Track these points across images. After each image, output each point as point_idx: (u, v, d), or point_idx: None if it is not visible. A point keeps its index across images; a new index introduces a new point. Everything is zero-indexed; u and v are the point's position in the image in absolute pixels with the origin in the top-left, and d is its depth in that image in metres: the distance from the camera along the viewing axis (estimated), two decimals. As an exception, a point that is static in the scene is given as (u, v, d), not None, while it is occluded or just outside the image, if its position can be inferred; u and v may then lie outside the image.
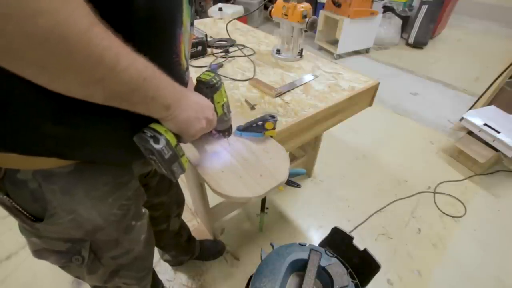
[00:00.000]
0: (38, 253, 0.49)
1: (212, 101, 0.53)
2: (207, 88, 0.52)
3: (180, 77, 0.46)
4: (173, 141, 0.43)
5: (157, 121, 0.42)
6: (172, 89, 0.39)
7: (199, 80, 0.52)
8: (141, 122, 0.40)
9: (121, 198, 0.50)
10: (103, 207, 0.48)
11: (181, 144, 0.47)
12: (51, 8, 0.23)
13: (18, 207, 0.41)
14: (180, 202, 0.93)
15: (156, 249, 1.18)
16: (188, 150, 0.65)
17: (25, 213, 0.42)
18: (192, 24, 0.50)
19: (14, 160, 0.37)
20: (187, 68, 0.51)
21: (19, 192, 0.41)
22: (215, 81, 0.52)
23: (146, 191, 0.62)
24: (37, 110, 0.34)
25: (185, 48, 0.46)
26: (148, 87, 0.34)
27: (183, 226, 1.04)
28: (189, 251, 1.13)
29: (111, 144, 0.42)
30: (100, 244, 0.52)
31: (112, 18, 0.30)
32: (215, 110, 0.54)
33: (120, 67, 0.30)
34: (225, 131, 0.64)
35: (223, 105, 0.57)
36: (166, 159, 0.42)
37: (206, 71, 0.54)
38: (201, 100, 0.48)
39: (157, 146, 0.40)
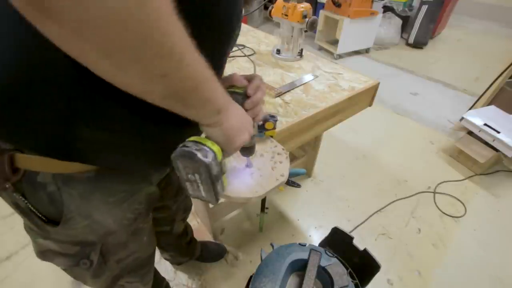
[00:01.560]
0: (43, 254, 0.48)
1: None
2: (237, 99, 0.46)
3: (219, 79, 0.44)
4: (220, 154, 0.38)
5: (185, 128, 0.39)
6: (223, 93, 0.37)
7: (233, 91, 0.47)
8: (174, 135, 0.39)
9: (134, 202, 0.50)
10: (118, 212, 0.47)
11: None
12: None
13: (32, 208, 0.41)
14: (187, 208, 0.92)
15: (156, 249, 1.19)
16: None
17: (39, 214, 0.41)
18: None
19: (37, 162, 0.36)
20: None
21: (37, 194, 0.40)
22: (245, 92, 0.48)
23: (159, 194, 0.62)
24: (73, 112, 0.33)
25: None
26: (207, 87, 0.33)
27: (188, 229, 1.04)
28: (189, 253, 1.13)
29: (139, 155, 0.41)
30: (110, 247, 0.51)
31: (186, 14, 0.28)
32: None
33: (186, 61, 0.28)
34: (247, 150, 0.58)
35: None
36: (214, 175, 0.37)
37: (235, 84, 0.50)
38: (242, 111, 0.45)
39: (206, 160, 0.35)
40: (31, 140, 0.35)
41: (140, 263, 0.63)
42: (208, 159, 0.36)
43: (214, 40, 0.37)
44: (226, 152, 0.42)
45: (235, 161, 0.64)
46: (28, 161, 0.37)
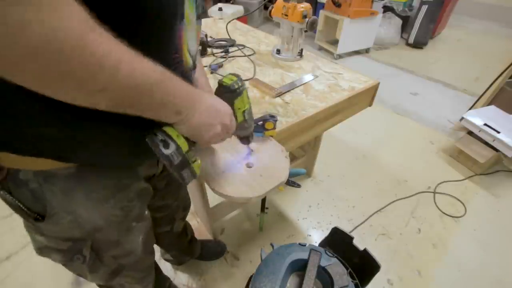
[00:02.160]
0: (41, 250, 0.49)
1: (232, 106, 0.50)
2: (227, 93, 0.49)
3: (184, 76, 0.43)
4: (185, 146, 0.41)
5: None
6: (184, 93, 0.37)
7: (220, 84, 0.49)
8: (147, 126, 0.39)
9: (123, 199, 0.50)
10: (103, 208, 0.47)
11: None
12: (38, 18, 0.22)
13: (20, 205, 0.41)
14: (186, 206, 0.93)
15: (157, 248, 1.19)
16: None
17: (28, 211, 0.42)
18: (199, 17, 0.47)
19: (16, 160, 0.37)
20: (194, 67, 0.49)
21: (20, 191, 0.41)
22: (236, 86, 0.49)
23: (153, 193, 0.62)
24: (37, 112, 0.33)
25: (188, 44, 0.44)
26: (156, 92, 0.32)
27: (187, 228, 1.04)
28: (190, 252, 1.13)
29: (114, 148, 0.42)
30: (101, 244, 0.52)
31: (106, 15, 0.28)
32: (235, 116, 0.51)
33: (122, 73, 0.28)
34: (245, 138, 0.60)
35: (244, 112, 0.52)
36: (175, 165, 0.41)
37: (230, 74, 0.51)
38: (219, 104, 0.45)
39: (166, 152, 0.39)
40: (3, 140, 0.35)
41: (139, 262, 0.63)
42: (168, 151, 0.39)
43: (152, 34, 0.36)
44: (200, 144, 0.44)
45: (234, 157, 0.65)
46: (7, 159, 0.37)
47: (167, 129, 0.39)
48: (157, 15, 0.34)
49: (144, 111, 0.34)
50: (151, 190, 0.58)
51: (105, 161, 0.43)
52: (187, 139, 0.42)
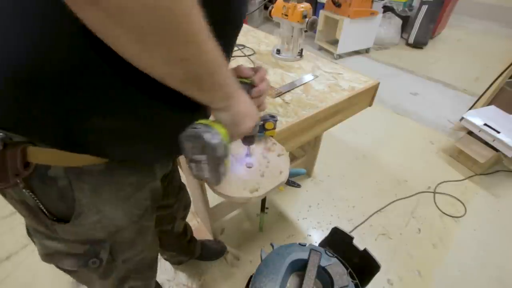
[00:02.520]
0: (50, 257, 0.47)
1: None
2: (244, 88, 0.48)
3: None
4: (226, 137, 0.40)
5: (194, 117, 0.41)
6: (234, 81, 0.40)
7: (240, 81, 0.49)
8: (183, 121, 0.40)
9: (141, 198, 0.50)
10: (126, 207, 0.47)
11: None
12: None
13: (41, 206, 0.40)
14: (187, 205, 0.93)
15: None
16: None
17: (47, 213, 0.41)
18: None
19: (49, 155, 0.36)
20: None
21: (47, 190, 0.39)
22: (253, 80, 0.49)
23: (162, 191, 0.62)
24: (85, 102, 0.33)
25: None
26: (221, 74, 0.35)
27: (187, 228, 1.05)
28: (190, 252, 1.13)
29: (150, 143, 0.42)
30: (118, 245, 0.51)
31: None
32: None
33: (206, 48, 0.30)
34: (249, 138, 0.60)
35: None
36: (218, 157, 0.39)
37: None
38: (249, 100, 0.46)
39: (213, 141, 0.37)
40: (43, 131, 0.34)
41: (146, 264, 0.63)
42: (215, 141, 0.38)
43: (226, 32, 0.40)
44: (231, 136, 0.44)
45: (234, 157, 0.65)
46: (40, 154, 0.36)
47: (205, 121, 0.39)
48: (232, 27, 0.40)
49: (204, 91, 0.36)
50: (161, 189, 0.58)
51: (138, 156, 0.44)
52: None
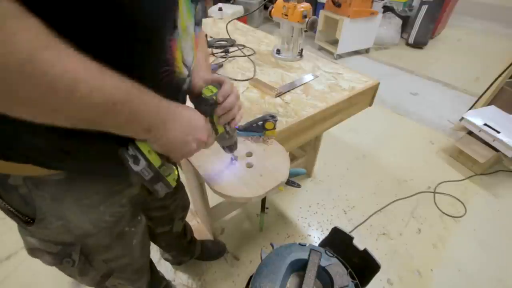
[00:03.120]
0: (32, 251, 0.49)
1: (212, 119, 0.48)
2: (206, 106, 0.46)
3: (174, 87, 0.42)
4: (157, 162, 0.39)
5: None
6: (155, 110, 0.34)
7: (199, 95, 0.47)
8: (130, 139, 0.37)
9: (113, 205, 0.50)
10: (93, 214, 0.47)
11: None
12: None
13: (11, 209, 0.42)
14: (185, 206, 0.92)
15: (156, 249, 1.19)
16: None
17: (18, 215, 0.42)
18: (198, 24, 0.44)
19: (5, 165, 0.37)
20: (189, 74, 0.46)
21: (10, 196, 0.41)
22: (215, 99, 0.46)
23: (149, 195, 0.61)
24: (25, 123, 0.32)
25: (183, 54, 0.41)
26: (120, 111, 0.30)
27: (187, 228, 1.04)
28: (190, 252, 1.13)
29: (101, 159, 0.41)
30: (91, 248, 0.52)
31: (79, 26, 0.27)
32: (214, 129, 0.49)
33: (79, 94, 0.26)
34: (227, 147, 0.58)
35: (225, 124, 0.50)
36: (147, 180, 0.39)
37: (211, 84, 0.48)
38: (195, 119, 0.43)
39: (136, 168, 0.37)
40: None
41: (131, 269, 0.63)
42: (138, 167, 0.37)
43: (138, 48, 0.33)
44: (173, 158, 0.42)
45: (230, 157, 0.65)
46: None
47: (139, 144, 0.37)
48: (142, 27, 0.31)
49: (108, 129, 0.32)
50: (146, 195, 0.58)
51: (93, 170, 0.43)
52: (161, 155, 0.40)
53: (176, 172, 0.44)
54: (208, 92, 0.46)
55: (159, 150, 0.39)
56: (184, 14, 0.37)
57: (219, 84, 0.48)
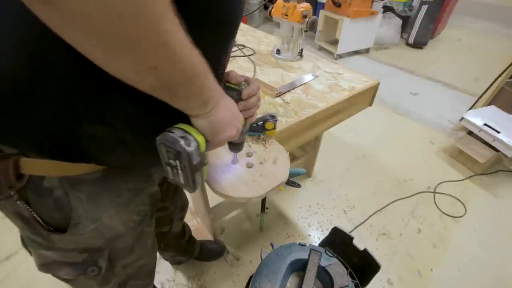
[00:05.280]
0: (46, 266, 0.46)
1: None
2: (237, 95, 0.46)
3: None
4: (203, 145, 0.38)
5: (185, 121, 0.38)
6: (214, 88, 0.37)
7: (228, 86, 0.47)
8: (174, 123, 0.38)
9: (140, 203, 0.49)
10: (125, 214, 0.47)
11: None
12: None
13: (36, 217, 0.39)
14: (184, 206, 0.92)
15: (156, 249, 1.19)
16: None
17: (43, 223, 0.40)
18: None
19: (42, 166, 0.35)
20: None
21: (43, 201, 0.38)
22: (240, 93, 0.46)
23: (160, 194, 0.61)
24: (75, 109, 0.32)
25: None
26: (196, 82, 0.33)
27: (185, 228, 1.04)
28: (188, 252, 1.13)
29: (143, 149, 0.40)
30: (117, 252, 0.51)
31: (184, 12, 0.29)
32: None
33: (178, 58, 0.29)
34: (236, 145, 0.58)
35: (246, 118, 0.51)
36: (194, 164, 0.37)
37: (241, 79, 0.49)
38: (235, 107, 0.44)
39: (188, 148, 0.35)
40: (35, 142, 0.34)
41: (147, 271, 0.63)
42: (190, 148, 0.36)
43: (216, 37, 0.37)
44: (211, 144, 0.42)
45: (229, 157, 0.65)
46: (33, 165, 0.35)
47: (183, 126, 0.37)
48: (230, 24, 0.37)
49: (178, 99, 0.34)
50: (159, 193, 0.57)
51: (133, 162, 0.43)
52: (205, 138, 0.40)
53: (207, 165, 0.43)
54: (236, 84, 0.47)
55: (207, 129, 0.39)
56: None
57: (247, 82, 0.49)
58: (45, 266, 0.46)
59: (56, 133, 0.33)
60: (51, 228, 0.41)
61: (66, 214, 0.40)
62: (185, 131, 0.37)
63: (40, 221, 0.39)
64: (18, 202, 0.37)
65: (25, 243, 0.47)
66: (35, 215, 0.39)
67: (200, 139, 0.38)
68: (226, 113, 0.41)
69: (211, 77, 0.36)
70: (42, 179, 0.37)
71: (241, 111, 0.47)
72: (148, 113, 0.37)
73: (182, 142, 0.35)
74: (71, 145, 0.35)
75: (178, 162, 0.37)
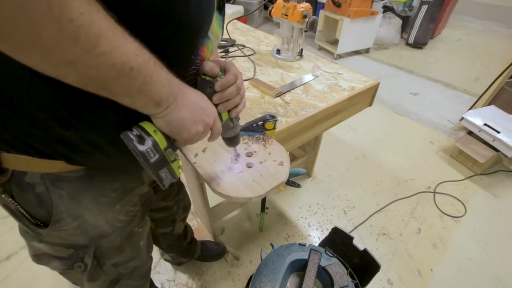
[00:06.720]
0: (38, 257, 0.47)
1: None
2: (211, 88, 0.43)
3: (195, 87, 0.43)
4: (163, 143, 0.37)
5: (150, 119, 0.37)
6: (167, 84, 0.34)
7: (203, 78, 0.44)
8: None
9: (128, 204, 0.49)
10: (110, 213, 0.46)
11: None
12: None
13: (22, 210, 0.40)
14: (186, 207, 0.92)
15: (156, 249, 1.19)
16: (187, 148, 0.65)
17: (29, 217, 0.41)
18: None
19: (24, 162, 0.36)
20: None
21: (25, 195, 0.39)
22: (214, 85, 0.43)
23: (155, 193, 0.61)
24: (50, 113, 0.33)
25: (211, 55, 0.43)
26: (135, 78, 0.29)
27: (187, 229, 1.04)
28: (190, 253, 1.13)
29: (121, 152, 0.40)
30: (104, 250, 0.51)
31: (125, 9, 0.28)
32: (219, 115, 0.46)
33: (100, 50, 0.25)
34: (230, 140, 0.55)
35: (229, 110, 0.48)
36: (152, 163, 0.37)
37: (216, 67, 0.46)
38: (202, 101, 0.41)
39: (141, 147, 0.35)
40: (13, 140, 0.34)
41: (139, 273, 0.62)
42: (144, 147, 0.35)
43: (171, 30, 0.34)
44: (178, 142, 0.40)
45: (229, 157, 0.65)
46: (15, 160, 0.36)
47: (144, 124, 0.36)
48: (178, 31, 0.33)
49: (119, 96, 0.31)
50: (153, 194, 0.57)
51: (115, 165, 0.42)
52: (166, 136, 0.38)
53: (180, 162, 0.42)
54: (210, 76, 0.44)
55: (165, 129, 0.37)
56: (215, 25, 0.41)
57: (224, 72, 0.45)
58: (37, 257, 0.47)
59: (31, 134, 0.34)
60: (38, 222, 0.42)
61: (48, 209, 0.41)
62: (143, 129, 0.36)
63: (26, 214, 0.40)
64: (3, 195, 0.38)
65: (21, 233, 0.48)
66: (20, 208, 0.40)
67: (158, 137, 0.37)
68: (188, 109, 0.38)
69: (163, 73, 0.33)
70: (24, 175, 0.38)
71: (218, 103, 0.45)
72: (112, 117, 0.35)
73: (135, 141, 0.35)
74: (47, 146, 0.35)
75: (139, 159, 0.37)
